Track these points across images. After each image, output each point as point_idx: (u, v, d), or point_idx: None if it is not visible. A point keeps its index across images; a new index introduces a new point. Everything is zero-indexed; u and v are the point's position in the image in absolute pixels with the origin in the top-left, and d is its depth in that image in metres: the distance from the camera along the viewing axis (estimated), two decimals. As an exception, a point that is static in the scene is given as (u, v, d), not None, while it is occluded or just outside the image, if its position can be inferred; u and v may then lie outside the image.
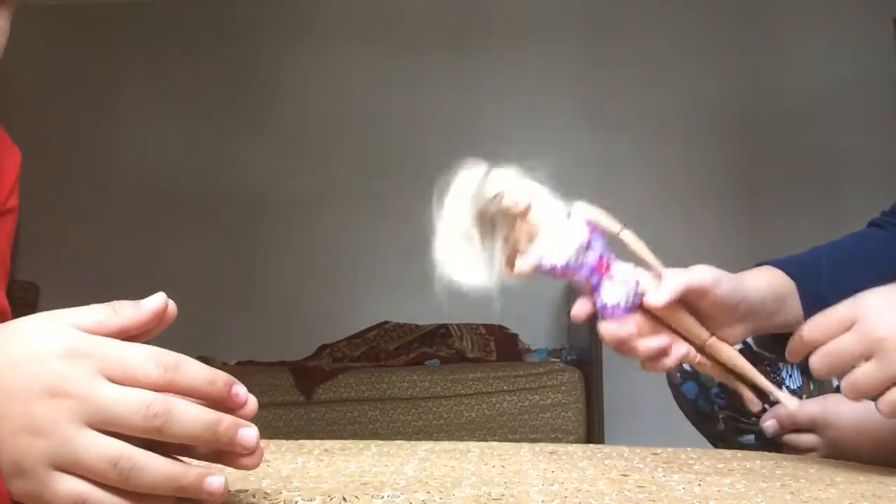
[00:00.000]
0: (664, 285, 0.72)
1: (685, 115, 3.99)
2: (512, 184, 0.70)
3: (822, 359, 0.64)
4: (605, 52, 4.10)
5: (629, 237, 0.72)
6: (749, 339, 0.99)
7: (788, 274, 0.85)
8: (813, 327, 0.65)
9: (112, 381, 0.42)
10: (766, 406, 0.97)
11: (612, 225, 0.72)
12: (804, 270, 0.86)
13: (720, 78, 4.04)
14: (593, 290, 0.73)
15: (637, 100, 3.98)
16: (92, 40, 4.36)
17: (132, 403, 0.41)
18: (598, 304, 0.73)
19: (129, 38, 4.38)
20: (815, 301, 0.83)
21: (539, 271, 0.71)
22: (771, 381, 0.98)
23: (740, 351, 0.99)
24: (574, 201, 0.72)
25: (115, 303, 0.46)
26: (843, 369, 0.62)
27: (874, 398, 0.61)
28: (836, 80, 3.97)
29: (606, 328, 0.73)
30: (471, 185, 0.71)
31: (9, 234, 0.81)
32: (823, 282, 0.85)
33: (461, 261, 0.72)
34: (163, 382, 0.43)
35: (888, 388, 0.60)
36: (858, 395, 0.61)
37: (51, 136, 4.17)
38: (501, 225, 0.71)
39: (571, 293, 3.77)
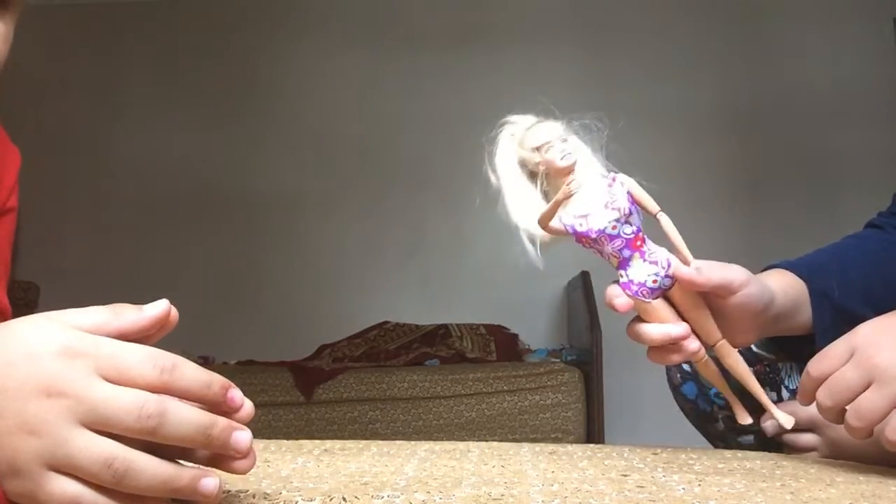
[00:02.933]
0: (705, 269, 0.70)
1: (685, 114, 3.99)
2: (558, 138, 0.69)
3: (826, 392, 0.64)
4: (605, 52, 4.10)
5: (665, 220, 0.70)
6: (749, 339, 0.99)
7: (800, 276, 0.85)
8: (816, 364, 0.66)
9: (108, 380, 0.42)
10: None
11: (652, 204, 0.70)
12: (813, 272, 0.85)
13: (720, 78, 4.04)
14: (621, 265, 0.71)
15: (638, 100, 3.98)
16: (92, 40, 4.36)
17: (126, 404, 0.41)
18: (623, 281, 0.71)
19: (130, 39, 4.38)
20: (825, 302, 0.83)
21: (573, 233, 0.69)
22: (770, 381, 0.98)
23: (739, 352, 0.99)
24: (615, 172, 0.70)
25: (116, 305, 0.46)
26: (848, 400, 0.62)
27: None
28: (836, 80, 3.96)
29: (620, 301, 0.71)
30: (518, 132, 0.70)
31: (9, 234, 0.81)
32: (833, 283, 0.85)
33: (512, 203, 0.70)
34: (159, 384, 0.42)
35: (891, 412, 0.60)
36: (864, 422, 0.61)
37: (51, 137, 4.17)
38: (543, 178, 0.70)
39: (571, 293, 3.78)
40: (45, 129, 4.14)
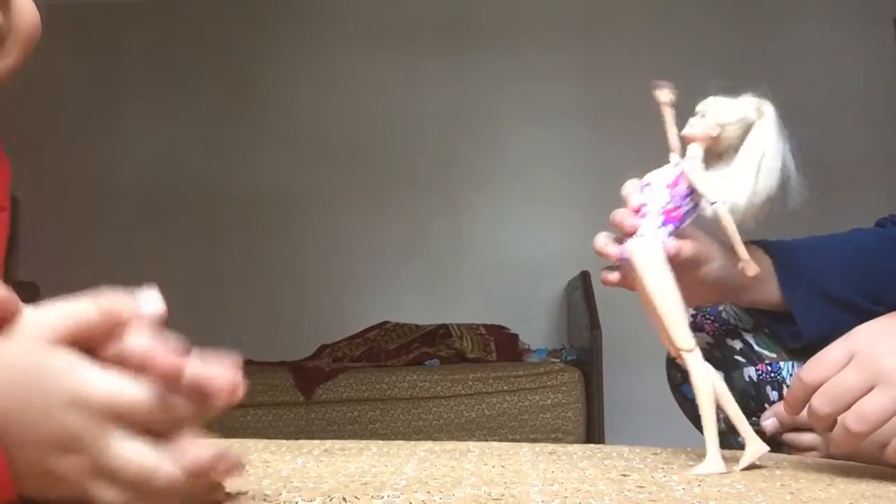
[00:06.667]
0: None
1: (685, 114, 3.99)
2: (700, 113, 0.80)
3: (824, 398, 0.60)
4: (604, 52, 4.10)
5: (720, 212, 0.72)
6: (750, 339, 0.99)
7: (767, 252, 0.88)
8: (811, 368, 0.62)
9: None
10: (766, 405, 0.97)
11: (707, 193, 0.73)
12: (782, 249, 0.89)
13: (720, 77, 4.03)
14: (663, 223, 0.75)
15: (637, 99, 3.98)
16: (92, 41, 4.36)
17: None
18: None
19: (129, 39, 4.37)
20: (794, 277, 0.85)
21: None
22: (772, 381, 0.98)
23: (740, 350, 0.99)
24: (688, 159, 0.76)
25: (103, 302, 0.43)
26: (847, 406, 0.59)
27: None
28: (836, 80, 3.96)
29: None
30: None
31: (2, 235, 0.80)
32: (798, 256, 0.88)
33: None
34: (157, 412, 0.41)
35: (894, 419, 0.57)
36: (866, 426, 0.58)
37: (51, 136, 4.17)
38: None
39: (571, 293, 3.77)
40: (45, 128, 4.14)
